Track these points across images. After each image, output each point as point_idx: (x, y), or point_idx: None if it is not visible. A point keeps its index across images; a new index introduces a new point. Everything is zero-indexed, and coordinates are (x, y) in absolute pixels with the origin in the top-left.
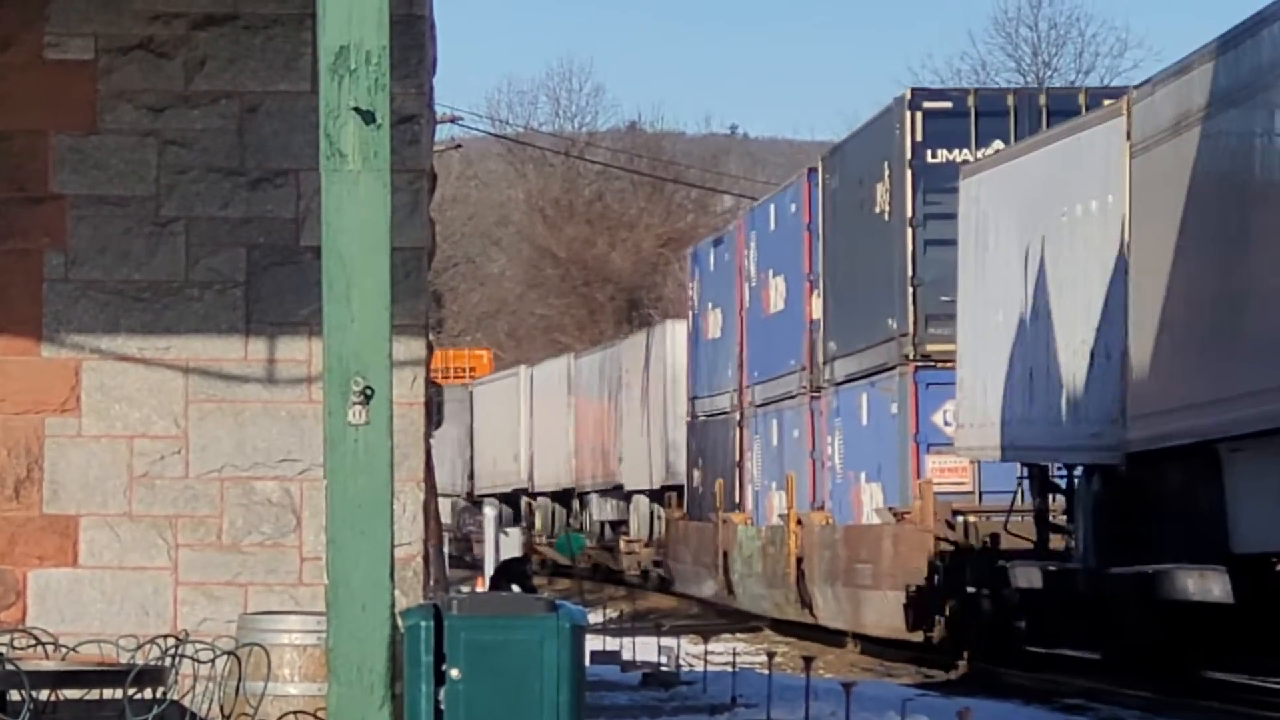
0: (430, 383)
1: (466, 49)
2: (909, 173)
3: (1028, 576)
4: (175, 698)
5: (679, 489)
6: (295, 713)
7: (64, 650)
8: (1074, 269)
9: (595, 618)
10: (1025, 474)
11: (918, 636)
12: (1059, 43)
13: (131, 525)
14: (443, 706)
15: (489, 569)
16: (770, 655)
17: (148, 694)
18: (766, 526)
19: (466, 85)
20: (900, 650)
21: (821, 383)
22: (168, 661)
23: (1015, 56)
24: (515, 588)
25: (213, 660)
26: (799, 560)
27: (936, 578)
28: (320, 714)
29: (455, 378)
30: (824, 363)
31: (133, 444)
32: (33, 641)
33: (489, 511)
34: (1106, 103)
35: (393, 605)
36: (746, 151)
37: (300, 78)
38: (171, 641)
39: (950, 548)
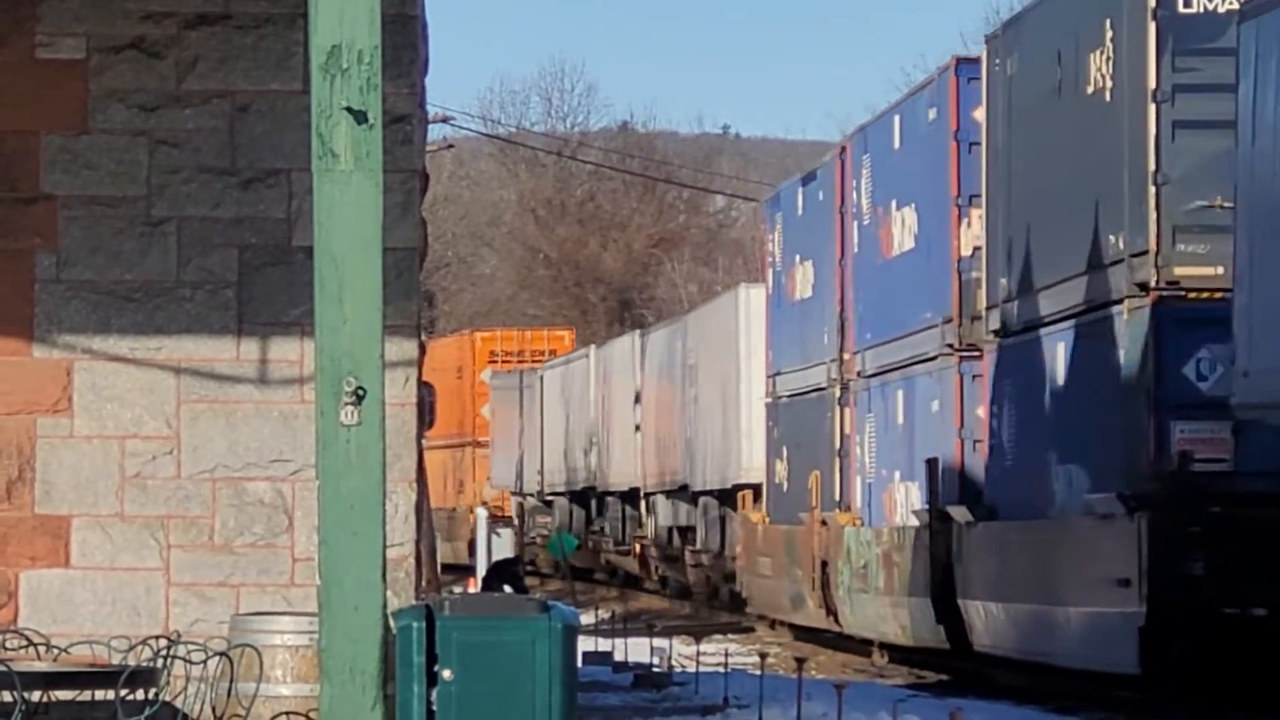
0: (421, 383)
1: (458, 49)
2: (1152, 27)
3: None
4: (167, 699)
5: (756, 488)
6: (287, 713)
7: (56, 651)
8: None
9: (587, 618)
10: None
11: (1134, 668)
12: None
13: (123, 526)
14: (434, 707)
15: (481, 570)
16: (763, 656)
17: (140, 695)
18: (889, 528)
19: (459, 85)
20: (1089, 684)
21: (980, 337)
22: (160, 662)
23: None
24: (507, 588)
25: (205, 661)
26: (945, 569)
27: (1191, 591)
28: (312, 715)
29: (533, 362)
30: (986, 308)
31: (125, 444)
32: (25, 642)
33: (481, 512)
34: None
35: (385, 606)
36: (739, 151)
37: (292, 77)
38: (163, 642)
39: (1214, 549)
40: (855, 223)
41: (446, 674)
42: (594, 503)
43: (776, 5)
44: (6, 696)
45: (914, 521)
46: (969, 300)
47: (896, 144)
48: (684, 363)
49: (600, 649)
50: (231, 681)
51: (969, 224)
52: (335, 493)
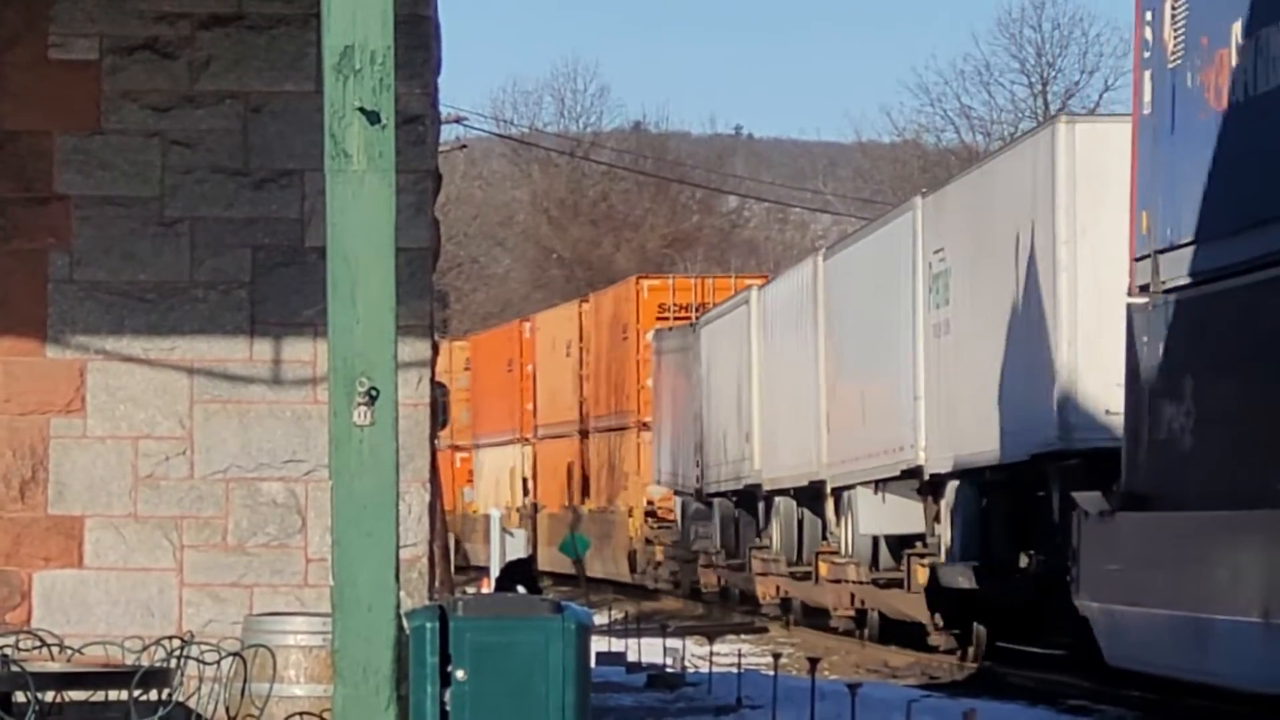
0: (435, 383)
1: (471, 49)
2: None
3: None
4: (180, 699)
5: (1092, 456)
6: (301, 714)
7: (69, 652)
8: None
9: (600, 619)
10: None
11: None
12: (1063, 43)
13: (137, 526)
14: (448, 708)
15: (494, 571)
16: (776, 656)
17: (153, 695)
18: None
19: (471, 85)
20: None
21: None
22: (173, 663)
23: (1019, 57)
24: (521, 589)
25: (218, 661)
26: None
27: None
28: (326, 715)
29: None
30: None
31: (138, 445)
32: (38, 643)
33: (494, 513)
34: None
35: (398, 606)
36: (751, 152)
37: (305, 78)
38: (177, 643)
39: None
40: None
41: (460, 674)
42: (760, 506)
43: (789, 6)
44: (20, 697)
45: None
46: None
47: None
48: (919, 273)
49: (614, 649)
50: (245, 682)
51: None
52: (348, 493)
